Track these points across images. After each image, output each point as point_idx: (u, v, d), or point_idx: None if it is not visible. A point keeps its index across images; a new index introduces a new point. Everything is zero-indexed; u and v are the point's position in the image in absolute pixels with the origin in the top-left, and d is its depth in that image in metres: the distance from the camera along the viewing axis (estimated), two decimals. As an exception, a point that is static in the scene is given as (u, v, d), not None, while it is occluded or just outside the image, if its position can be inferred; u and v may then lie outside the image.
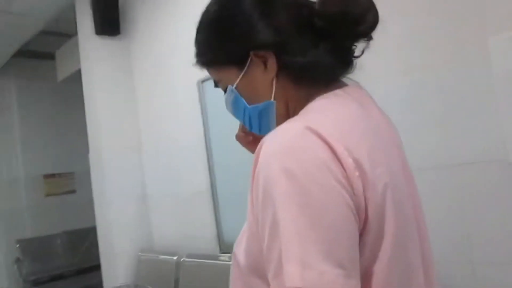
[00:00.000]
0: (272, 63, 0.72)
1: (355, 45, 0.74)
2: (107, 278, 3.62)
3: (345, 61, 0.74)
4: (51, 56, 5.05)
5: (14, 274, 5.07)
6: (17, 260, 5.04)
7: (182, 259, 3.09)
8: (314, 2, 0.72)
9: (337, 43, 0.71)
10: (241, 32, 0.74)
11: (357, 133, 0.64)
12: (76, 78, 3.91)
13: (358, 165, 0.60)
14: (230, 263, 0.76)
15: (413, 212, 0.70)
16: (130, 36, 3.68)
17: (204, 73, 0.85)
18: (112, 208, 3.50)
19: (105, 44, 3.63)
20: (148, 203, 3.67)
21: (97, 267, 3.76)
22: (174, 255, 3.18)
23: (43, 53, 5.25)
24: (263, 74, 0.73)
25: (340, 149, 0.59)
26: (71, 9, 3.82)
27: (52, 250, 5.32)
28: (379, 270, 0.61)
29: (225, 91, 0.80)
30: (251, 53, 0.73)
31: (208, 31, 0.79)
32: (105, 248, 3.62)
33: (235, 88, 0.77)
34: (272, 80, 0.73)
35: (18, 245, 5.14)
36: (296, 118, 0.67)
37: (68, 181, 5.86)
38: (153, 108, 3.55)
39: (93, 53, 3.62)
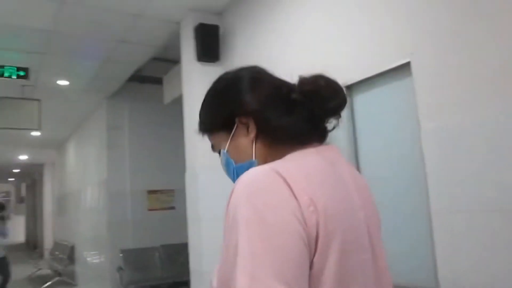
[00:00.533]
0: (252, 127, 0.90)
1: (327, 120, 0.90)
2: (196, 294, 3.73)
3: (318, 130, 0.90)
4: (159, 81, 5.46)
5: (116, 281, 5.47)
6: (119, 269, 5.43)
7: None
8: (293, 84, 0.91)
9: (309, 114, 0.87)
10: (232, 103, 0.92)
11: (316, 180, 0.77)
12: (180, 101, 4.17)
13: (313, 203, 0.72)
14: None
15: (372, 260, 0.81)
16: (228, 62, 3.83)
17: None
18: (203, 226, 3.61)
19: (205, 70, 3.83)
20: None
21: (189, 282, 3.89)
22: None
23: (153, 78, 5.69)
24: (246, 137, 0.91)
25: (297, 188, 0.72)
26: (177, 37, 4.13)
27: (151, 262, 5.65)
28: None
29: (219, 153, 0.98)
30: (236, 119, 0.91)
31: (208, 103, 0.99)
32: (195, 265, 3.74)
33: (226, 151, 0.95)
34: (252, 140, 0.90)
35: (121, 255, 5.54)
36: (266, 164, 0.81)
37: (169, 197, 6.22)
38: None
39: (194, 78, 3.85)
